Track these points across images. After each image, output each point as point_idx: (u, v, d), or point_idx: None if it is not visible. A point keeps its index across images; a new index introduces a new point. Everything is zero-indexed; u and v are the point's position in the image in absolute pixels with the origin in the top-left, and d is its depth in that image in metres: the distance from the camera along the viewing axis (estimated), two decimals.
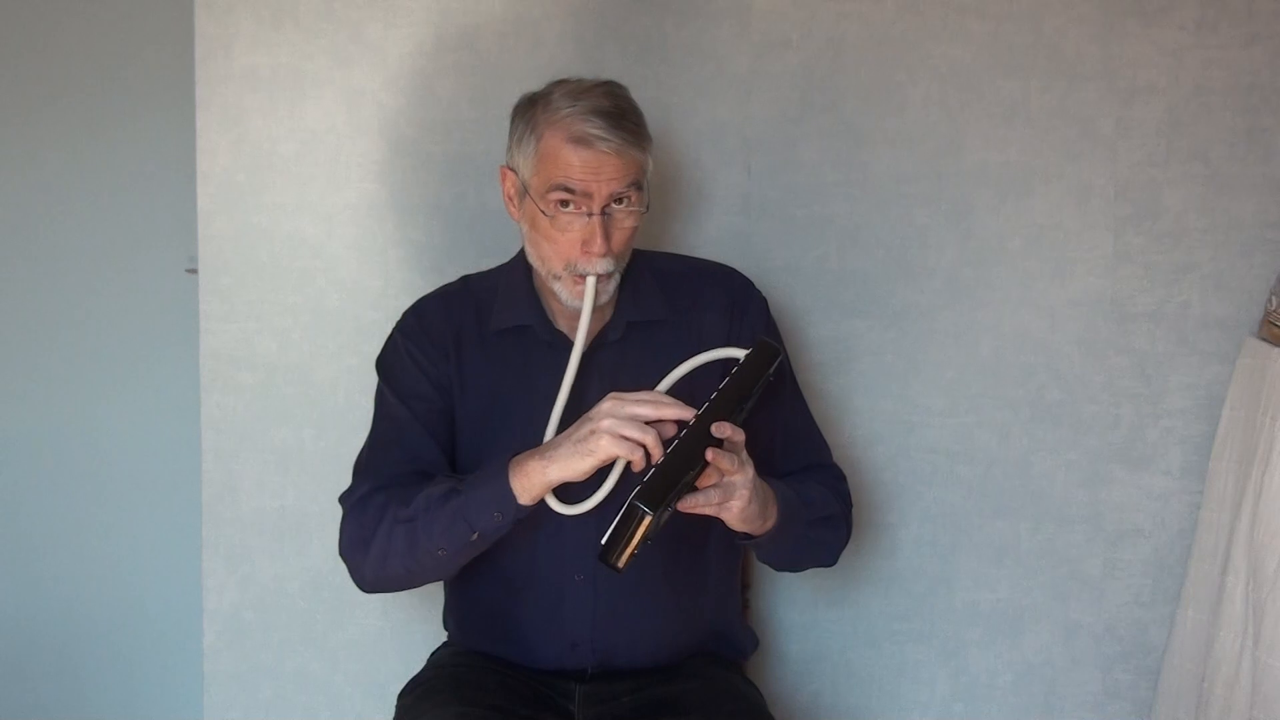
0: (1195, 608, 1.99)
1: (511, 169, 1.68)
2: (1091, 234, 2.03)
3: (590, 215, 1.60)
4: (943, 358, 2.05)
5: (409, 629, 2.04)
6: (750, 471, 1.53)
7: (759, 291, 1.81)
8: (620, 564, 1.46)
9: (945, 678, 2.11)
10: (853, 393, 2.05)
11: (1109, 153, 2.02)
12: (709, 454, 1.47)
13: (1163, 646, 2.06)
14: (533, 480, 1.54)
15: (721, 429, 1.48)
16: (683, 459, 1.47)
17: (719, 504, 1.52)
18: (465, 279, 1.81)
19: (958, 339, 2.05)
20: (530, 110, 1.65)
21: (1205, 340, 2.04)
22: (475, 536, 1.58)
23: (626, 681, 1.71)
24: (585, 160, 1.59)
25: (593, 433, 1.50)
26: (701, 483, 1.51)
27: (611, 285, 1.66)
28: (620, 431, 1.49)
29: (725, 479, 1.51)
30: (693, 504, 1.51)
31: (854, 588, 2.09)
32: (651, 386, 1.59)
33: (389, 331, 1.76)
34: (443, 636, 1.85)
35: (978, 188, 2.03)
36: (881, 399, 2.06)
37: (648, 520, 1.43)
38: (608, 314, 1.72)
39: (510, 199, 1.70)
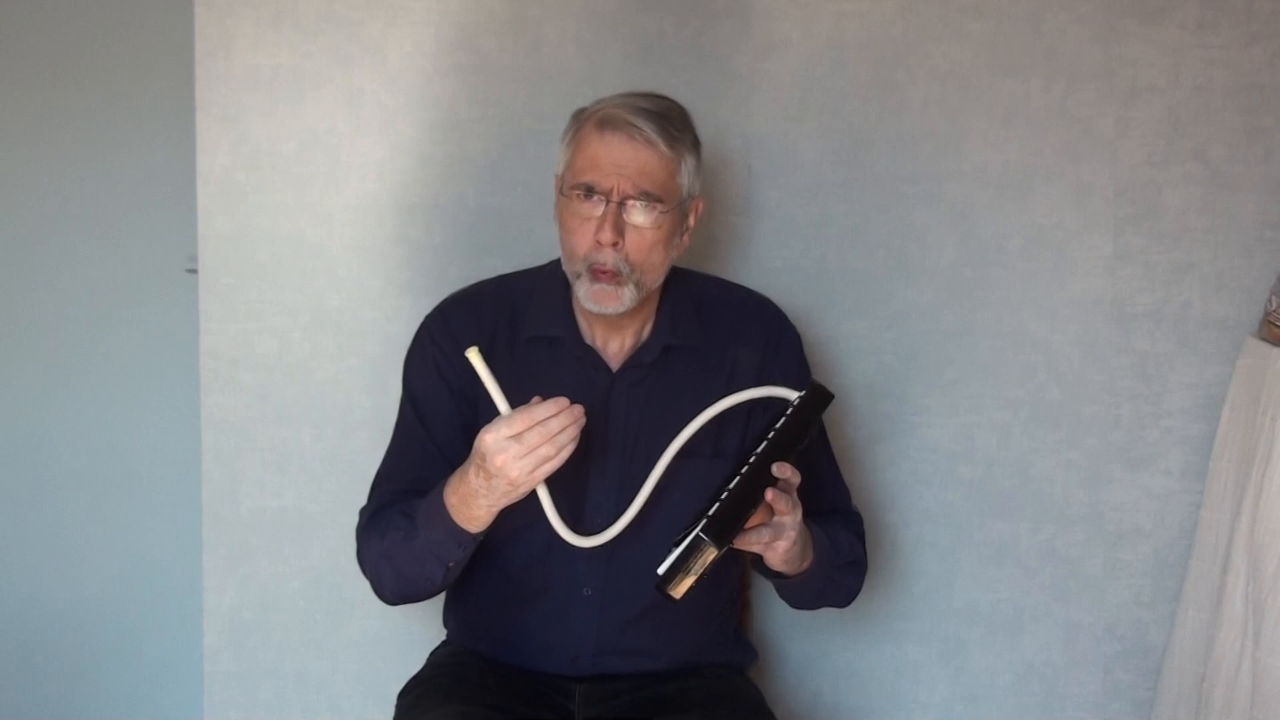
0: (1195, 608, 1.99)
1: (557, 172, 1.67)
2: (1091, 234, 2.03)
3: (609, 202, 1.58)
4: (943, 358, 2.05)
5: (409, 629, 2.04)
6: (799, 514, 1.52)
7: (794, 328, 1.78)
8: (679, 595, 1.46)
9: (945, 678, 2.11)
10: (853, 393, 2.05)
11: (1109, 153, 2.02)
12: (768, 494, 1.48)
13: (1163, 646, 2.06)
14: (474, 514, 1.52)
15: (783, 469, 1.48)
16: (746, 496, 1.48)
17: (768, 543, 1.52)
18: (503, 278, 1.77)
19: (958, 339, 2.05)
20: (581, 111, 1.65)
21: (1205, 340, 2.04)
22: (451, 564, 1.58)
23: (626, 681, 1.71)
24: (610, 146, 1.58)
25: (511, 484, 1.46)
26: (751, 522, 1.50)
27: (624, 297, 1.60)
28: (536, 475, 1.46)
29: (776, 519, 1.51)
30: (744, 541, 1.50)
31: None
32: (678, 413, 1.57)
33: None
34: (442, 635, 1.85)
35: (978, 188, 2.03)
36: (881, 399, 2.06)
37: (712, 556, 1.44)
38: (644, 335, 1.69)
39: (556, 203, 1.67)
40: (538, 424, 1.45)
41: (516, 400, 1.49)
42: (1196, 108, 2.01)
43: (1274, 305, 1.94)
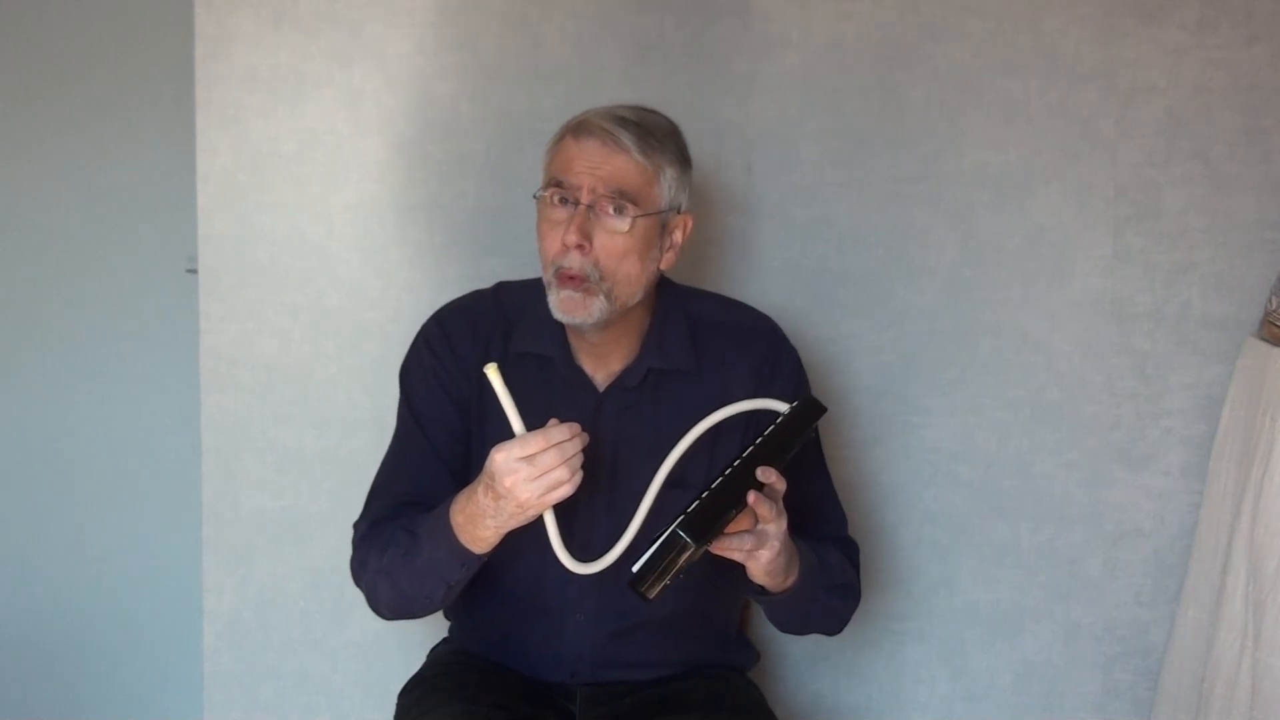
0: (1195, 608, 1.99)
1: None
2: (1091, 234, 2.03)
3: (578, 205, 1.55)
4: (943, 358, 2.05)
5: (409, 628, 2.04)
6: (784, 523, 1.49)
7: (793, 351, 1.73)
8: (652, 595, 1.43)
9: (945, 678, 2.11)
10: (853, 393, 2.05)
11: (1109, 153, 2.02)
12: (750, 497, 1.44)
13: (1163, 646, 2.06)
14: (480, 535, 1.49)
15: (767, 474, 1.45)
16: (727, 496, 1.45)
17: (750, 550, 1.48)
18: (500, 287, 1.73)
19: (958, 339, 2.05)
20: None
21: (1205, 340, 2.04)
22: (453, 583, 1.56)
23: (627, 683, 1.71)
24: (583, 149, 1.55)
25: (520, 506, 1.43)
26: (734, 528, 1.47)
27: (593, 308, 1.56)
28: (547, 499, 1.43)
29: (759, 526, 1.48)
30: (724, 547, 1.47)
31: None
32: (668, 439, 1.53)
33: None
34: (442, 632, 1.85)
35: (978, 188, 2.03)
36: (881, 399, 2.06)
37: (689, 552, 1.41)
38: (629, 356, 1.66)
39: None
40: (553, 446, 1.42)
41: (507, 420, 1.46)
42: (1196, 108, 2.01)
43: (1274, 305, 1.94)
